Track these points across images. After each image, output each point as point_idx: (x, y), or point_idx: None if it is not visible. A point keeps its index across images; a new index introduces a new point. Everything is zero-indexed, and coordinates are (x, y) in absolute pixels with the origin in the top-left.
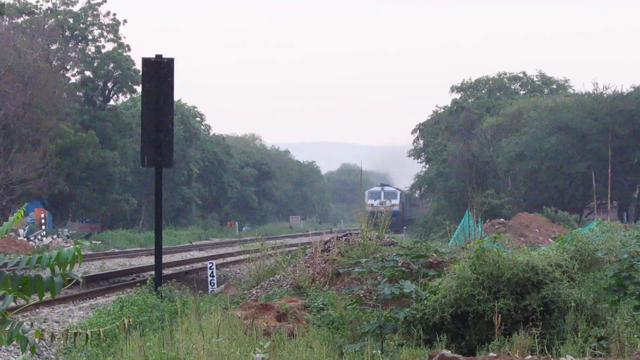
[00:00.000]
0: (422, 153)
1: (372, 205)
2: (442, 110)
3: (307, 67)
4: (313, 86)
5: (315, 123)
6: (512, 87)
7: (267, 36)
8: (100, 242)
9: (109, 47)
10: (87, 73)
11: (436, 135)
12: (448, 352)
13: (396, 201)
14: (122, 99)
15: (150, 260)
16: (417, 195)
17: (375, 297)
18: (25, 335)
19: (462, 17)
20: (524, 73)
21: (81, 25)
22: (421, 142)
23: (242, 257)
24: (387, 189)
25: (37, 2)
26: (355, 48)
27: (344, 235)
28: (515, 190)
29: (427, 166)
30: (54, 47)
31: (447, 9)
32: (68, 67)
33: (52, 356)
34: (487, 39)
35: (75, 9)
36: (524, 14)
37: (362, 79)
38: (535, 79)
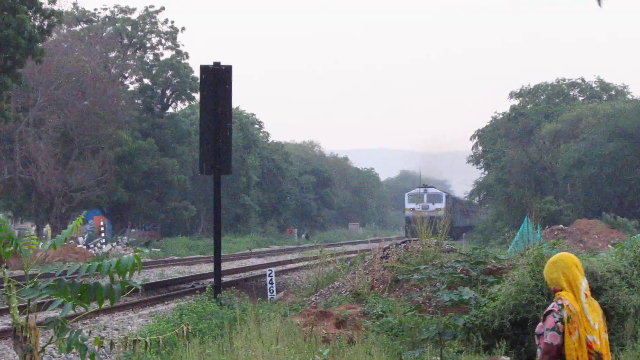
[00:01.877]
0: (481, 159)
1: (412, 209)
2: (501, 116)
3: (365, 74)
4: (372, 93)
5: (373, 130)
6: (571, 94)
7: (325, 44)
8: (159, 250)
9: (167, 54)
10: (146, 81)
11: (495, 141)
12: (507, 359)
13: (441, 205)
14: (181, 106)
15: (209, 268)
16: (475, 201)
17: (434, 304)
18: (84, 343)
19: (521, 23)
20: (582, 79)
21: (139, 33)
22: (480, 148)
23: (301, 264)
24: (430, 190)
25: (95, 10)
26: (413, 55)
27: (403, 242)
28: (574, 197)
29: (486, 172)
30: (112, 55)
31: (503, 15)
32: (126, 75)
33: None
34: (545, 45)
35: (134, 16)
36: (581, 20)
37: (420, 86)
38: (593, 85)
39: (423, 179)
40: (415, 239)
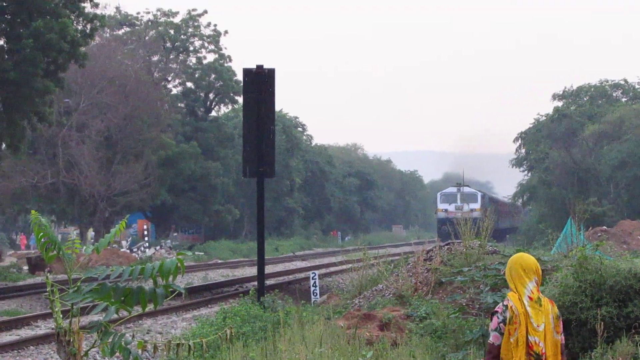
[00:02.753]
0: (524, 161)
1: (445, 210)
2: (544, 118)
3: (405, 75)
4: (414, 94)
5: (416, 132)
6: (614, 95)
7: (365, 46)
8: (203, 253)
9: (210, 58)
10: (189, 84)
11: (538, 143)
12: None
13: (476, 205)
14: (224, 109)
15: (252, 271)
16: (519, 203)
17: (478, 306)
18: (127, 346)
19: (536, 24)
20: (625, 80)
21: (182, 36)
22: (523, 150)
23: (344, 267)
24: (464, 190)
25: (138, 13)
26: (456, 53)
27: (446, 244)
28: (617, 198)
29: (529, 174)
30: (155, 58)
31: (516, 16)
32: (169, 78)
33: None
34: (588, 46)
35: (176, 20)
36: (623, 20)
37: (463, 85)
38: (636, 86)
39: (466, 181)
40: (449, 242)
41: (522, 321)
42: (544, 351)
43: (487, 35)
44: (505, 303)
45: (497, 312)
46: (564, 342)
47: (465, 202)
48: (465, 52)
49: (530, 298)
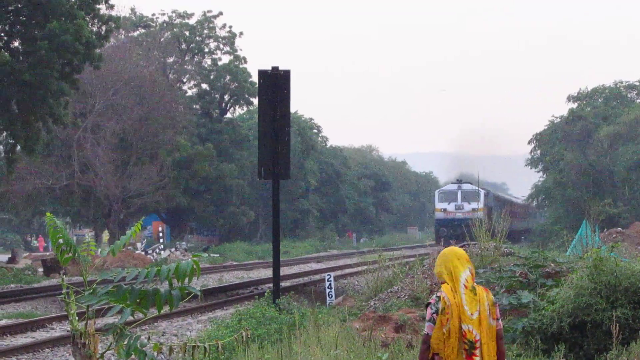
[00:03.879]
0: (539, 162)
1: (444, 210)
2: (559, 119)
3: (412, 76)
4: (421, 94)
5: (425, 132)
6: (629, 96)
7: (372, 46)
8: (218, 255)
9: (225, 59)
10: (204, 86)
11: (553, 144)
12: None
13: (478, 204)
14: (239, 111)
15: (268, 273)
16: (534, 204)
17: None
18: (143, 348)
19: (544, 25)
20: None
21: (197, 38)
22: (538, 151)
23: (360, 268)
24: (465, 187)
25: (153, 15)
26: (462, 54)
27: (462, 246)
28: (632, 199)
29: (544, 176)
30: (170, 60)
31: (523, 17)
32: (184, 80)
33: None
34: (598, 47)
35: (192, 21)
36: (632, 21)
37: (471, 86)
38: None
39: (481, 182)
40: (464, 243)
41: (454, 312)
42: (477, 338)
43: (495, 36)
44: (438, 294)
45: (430, 303)
46: (501, 327)
47: (467, 201)
48: (472, 53)
49: (465, 286)
